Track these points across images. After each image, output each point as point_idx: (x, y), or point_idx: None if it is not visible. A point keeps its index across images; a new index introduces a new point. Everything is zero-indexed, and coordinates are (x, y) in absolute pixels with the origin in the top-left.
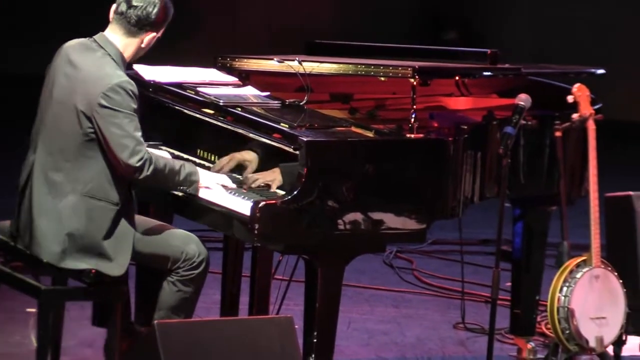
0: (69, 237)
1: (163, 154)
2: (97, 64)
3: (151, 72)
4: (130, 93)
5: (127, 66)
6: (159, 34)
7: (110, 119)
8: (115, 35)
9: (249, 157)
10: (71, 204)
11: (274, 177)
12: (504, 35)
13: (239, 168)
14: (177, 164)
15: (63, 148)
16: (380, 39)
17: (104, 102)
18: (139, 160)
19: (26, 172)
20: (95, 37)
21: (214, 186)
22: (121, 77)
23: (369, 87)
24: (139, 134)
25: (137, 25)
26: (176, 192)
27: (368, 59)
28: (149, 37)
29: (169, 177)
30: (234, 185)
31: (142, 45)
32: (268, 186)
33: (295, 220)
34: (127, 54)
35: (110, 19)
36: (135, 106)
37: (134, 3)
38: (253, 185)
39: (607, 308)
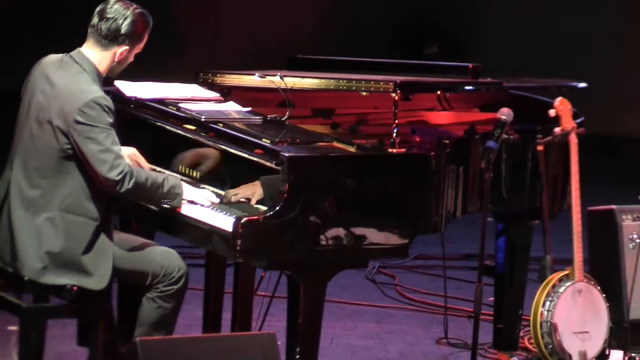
0: (48, 253)
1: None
2: (73, 80)
3: (132, 89)
4: (106, 108)
5: (108, 82)
6: (136, 49)
7: (87, 134)
8: (89, 50)
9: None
10: (49, 220)
11: (254, 190)
12: (487, 49)
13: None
14: (160, 177)
15: (40, 165)
16: (363, 53)
17: (79, 118)
18: (119, 174)
19: (3, 190)
20: (72, 53)
21: (199, 200)
22: (96, 92)
23: (350, 102)
24: (118, 147)
25: (107, 37)
26: (159, 206)
27: (350, 73)
28: (121, 50)
29: (151, 190)
30: (217, 200)
31: (116, 59)
32: (248, 200)
33: (277, 236)
34: (102, 68)
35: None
36: (111, 120)
37: (106, 15)
38: (233, 199)
39: (590, 322)
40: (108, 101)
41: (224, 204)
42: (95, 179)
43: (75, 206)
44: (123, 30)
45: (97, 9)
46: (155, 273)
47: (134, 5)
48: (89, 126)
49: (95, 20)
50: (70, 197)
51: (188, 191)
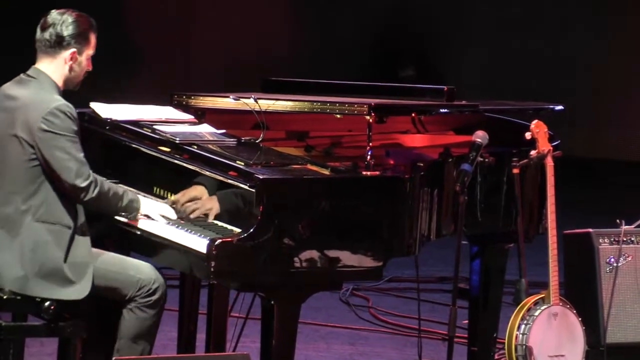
0: (30, 265)
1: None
2: (33, 92)
3: (108, 110)
4: (70, 115)
5: (84, 104)
6: (86, 51)
7: (52, 143)
8: (42, 64)
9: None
10: (26, 234)
11: (211, 205)
12: (463, 71)
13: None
14: (120, 189)
15: (11, 180)
16: (338, 75)
17: (44, 127)
18: (85, 181)
19: None
20: (28, 71)
21: (156, 216)
22: (59, 100)
23: (325, 124)
24: (82, 155)
25: (53, 45)
26: (120, 218)
27: (324, 96)
28: (69, 53)
29: (112, 201)
30: (175, 216)
31: (67, 65)
32: (206, 216)
33: (251, 258)
34: (59, 79)
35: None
36: (75, 128)
37: (46, 25)
38: (192, 216)
39: (566, 346)
40: (71, 109)
41: (195, 223)
42: (61, 187)
43: (49, 215)
44: (65, 33)
45: (39, 24)
46: (132, 286)
47: (71, 10)
48: (54, 134)
49: (38, 33)
50: (42, 207)
51: (145, 206)
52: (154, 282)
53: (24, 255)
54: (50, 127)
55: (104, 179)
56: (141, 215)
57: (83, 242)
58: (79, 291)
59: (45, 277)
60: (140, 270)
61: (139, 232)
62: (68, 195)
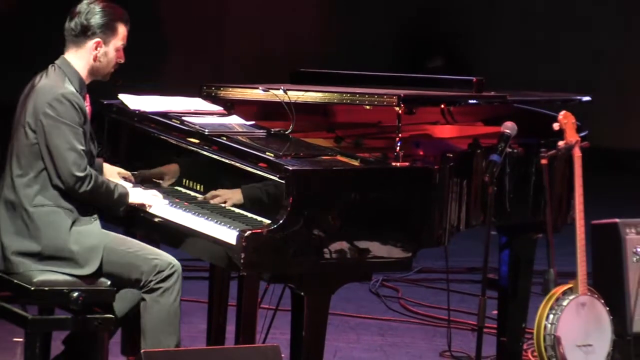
0: (35, 248)
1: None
2: (50, 80)
3: (136, 102)
4: (75, 105)
5: (113, 96)
6: (113, 42)
7: (54, 129)
8: (69, 54)
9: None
10: (30, 218)
11: (231, 195)
12: (492, 61)
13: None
14: (112, 183)
15: (17, 165)
16: (367, 66)
17: (48, 111)
18: (81, 173)
19: None
20: (56, 61)
21: (147, 200)
22: (67, 89)
23: (354, 115)
24: (82, 147)
25: (78, 34)
26: (109, 211)
27: (353, 87)
28: (94, 42)
29: (104, 195)
30: (166, 201)
31: (92, 55)
32: (224, 203)
33: (281, 249)
34: (83, 69)
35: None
36: (78, 120)
37: (74, 14)
38: (212, 201)
39: (594, 335)
40: (78, 99)
41: (224, 214)
42: (55, 175)
43: (49, 199)
44: (91, 23)
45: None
46: (148, 270)
47: (103, 2)
48: (56, 121)
49: (67, 23)
50: (41, 192)
51: (134, 198)
52: (171, 267)
53: (26, 240)
54: (53, 112)
55: (97, 173)
56: (131, 202)
57: (88, 223)
58: (86, 269)
59: (51, 258)
60: (158, 255)
61: (168, 224)
62: (63, 185)
